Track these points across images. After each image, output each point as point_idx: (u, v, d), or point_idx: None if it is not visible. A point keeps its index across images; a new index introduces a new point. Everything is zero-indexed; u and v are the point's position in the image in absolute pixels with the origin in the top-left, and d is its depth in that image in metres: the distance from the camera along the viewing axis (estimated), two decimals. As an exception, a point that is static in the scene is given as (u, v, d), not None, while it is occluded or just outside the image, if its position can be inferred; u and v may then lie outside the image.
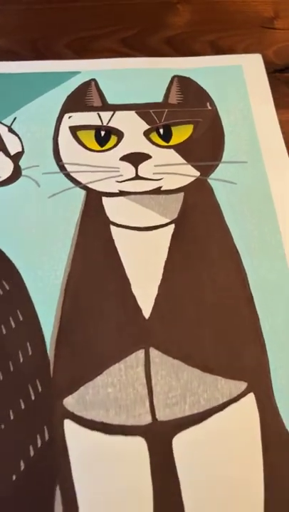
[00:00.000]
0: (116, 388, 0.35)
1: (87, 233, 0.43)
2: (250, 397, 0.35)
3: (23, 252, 0.42)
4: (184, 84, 0.51)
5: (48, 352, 0.37)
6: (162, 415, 0.35)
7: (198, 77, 0.52)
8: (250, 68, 0.54)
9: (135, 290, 0.39)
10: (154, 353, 0.37)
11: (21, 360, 0.36)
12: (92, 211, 0.44)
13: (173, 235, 0.42)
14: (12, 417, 0.34)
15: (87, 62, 0.54)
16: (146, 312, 0.39)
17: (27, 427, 0.34)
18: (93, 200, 0.44)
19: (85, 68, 0.53)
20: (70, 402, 0.35)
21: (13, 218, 0.43)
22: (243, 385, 0.36)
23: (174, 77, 0.52)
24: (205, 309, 0.39)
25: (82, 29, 0.57)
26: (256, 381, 0.36)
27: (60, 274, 0.40)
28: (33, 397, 0.35)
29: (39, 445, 0.33)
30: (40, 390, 0.35)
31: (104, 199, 0.44)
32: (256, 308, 0.39)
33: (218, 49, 0.56)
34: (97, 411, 0.34)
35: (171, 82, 0.52)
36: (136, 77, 0.53)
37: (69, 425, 0.34)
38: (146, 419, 0.34)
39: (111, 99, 0.50)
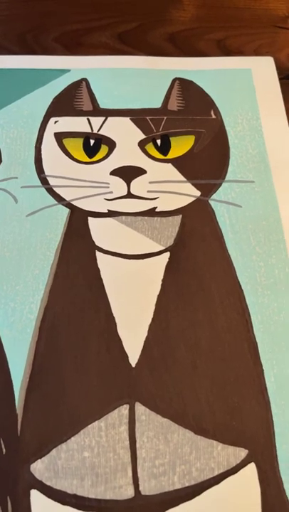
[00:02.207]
0: (94, 452, 0.30)
1: (68, 260, 0.37)
2: (251, 468, 0.30)
3: (-7, 279, 0.36)
4: (185, 88, 0.46)
5: (16, 403, 0.31)
6: (147, 488, 0.29)
7: (202, 81, 0.47)
8: (260, 73, 0.48)
9: (121, 331, 0.34)
10: (140, 409, 0.31)
11: (-16, 413, 0.31)
12: (76, 234, 0.38)
13: (167, 266, 0.37)
14: None
15: (78, 59, 0.48)
16: (133, 358, 0.33)
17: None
18: (78, 220, 0.39)
19: (76, 66, 0.47)
20: (38, 467, 0.30)
21: (-16, 239, 0.38)
22: (242, 453, 0.30)
23: (175, 79, 0.46)
24: (201, 356, 0.34)
25: (74, 21, 0.51)
26: (258, 448, 0.31)
27: (36, 308, 0.35)
28: (-5, 461, 0.30)
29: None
30: (3, 451, 0.30)
31: (91, 220, 0.39)
32: (260, 356, 0.34)
33: (225, 49, 0.51)
34: (70, 480, 0.29)
35: (172, 85, 0.46)
36: (132, 79, 0.47)
37: (36, 497, 0.29)
38: (128, 492, 0.29)
39: (103, 103, 0.45)
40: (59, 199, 0.40)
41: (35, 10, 0.52)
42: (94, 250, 0.38)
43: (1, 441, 0.30)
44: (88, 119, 0.43)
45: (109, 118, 0.44)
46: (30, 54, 0.49)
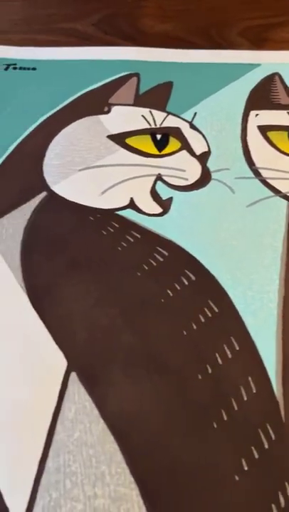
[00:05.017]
0: None
1: (296, 251, 0.37)
2: None
3: (226, 267, 0.36)
4: None
5: (274, 391, 0.32)
6: None
7: None
8: None
9: None
10: None
11: (245, 398, 0.31)
12: (299, 225, 0.38)
13: None
14: (246, 468, 0.29)
15: (266, 53, 0.49)
16: None
17: (265, 483, 0.29)
18: (298, 212, 0.39)
19: (265, 60, 0.48)
20: (311, 456, 0.30)
21: (209, 227, 0.38)
22: None
23: None
24: None
25: (257, 16, 0.52)
26: None
27: (274, 297, 0.35)
28: (266, 446, 0.30)
29: (282, 505, 0.28)
30: (273, 437, 0.30)
31: (311, 212, 0.39)
32: None
33: None
34: None
35: None
36: None
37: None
38: None
39: (298, 97, 0.45)
40: (275, 191, 0.40)
41: (215, 4, 0.53)
42: None
43: (268, 427, 0.30)
44: (289, 113, 0.44)
45: (309, 112, 0.44)
46: (217, 48, 0.50)
